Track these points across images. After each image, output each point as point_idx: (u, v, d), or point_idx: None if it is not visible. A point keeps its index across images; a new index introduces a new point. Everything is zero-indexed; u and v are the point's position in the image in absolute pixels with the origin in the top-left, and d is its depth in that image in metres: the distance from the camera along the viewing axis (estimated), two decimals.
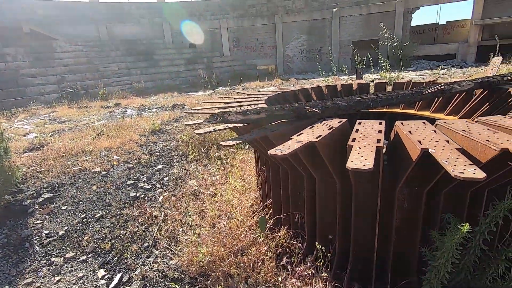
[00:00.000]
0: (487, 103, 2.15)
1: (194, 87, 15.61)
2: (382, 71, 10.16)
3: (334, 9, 19.98)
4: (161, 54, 18.90)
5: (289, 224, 1.80)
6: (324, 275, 1.51)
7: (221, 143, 1.27)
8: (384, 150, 1.51)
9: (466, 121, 1.31)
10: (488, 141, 1.02)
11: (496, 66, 2.18)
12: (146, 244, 2.32)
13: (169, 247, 2.20)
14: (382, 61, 7.79)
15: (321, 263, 1.54)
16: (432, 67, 16.16)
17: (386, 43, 12.06)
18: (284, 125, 1.48)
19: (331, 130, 1.30)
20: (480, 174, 0.80)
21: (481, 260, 1.30)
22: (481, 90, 2.24)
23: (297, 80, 14.89)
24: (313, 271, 1.54)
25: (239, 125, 1.49)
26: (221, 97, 2.76)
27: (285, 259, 1.64)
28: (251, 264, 1.75)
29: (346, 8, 19.86)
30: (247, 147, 4.30)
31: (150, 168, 3.99)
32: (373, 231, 1.49)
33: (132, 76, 15.88)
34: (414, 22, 20.50)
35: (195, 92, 13.56)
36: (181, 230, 2.33)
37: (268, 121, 1.50)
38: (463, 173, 0.82)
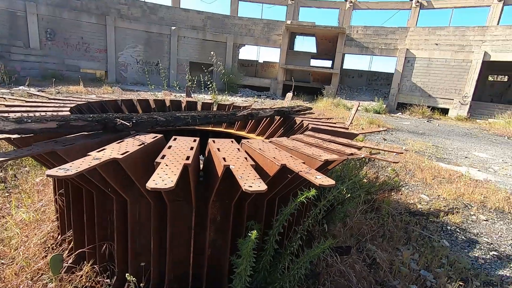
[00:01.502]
0: (283, 127, 2.72)
1: None
2: (214, 93, 11.15)
3: (173, 28, 20.32)
4: None
5: (96, 257, 1.49)
6: None
7: None
8: (201, 166, 1.55)
9: (263, 140, 1.56)
10: (274, 157, 1.23)
11: (288, 100, 2.90)
12: None
13: None
14: (212, 85, 8.54)
15: None
16: (254, 95, 19.48)
17: (218, 69, 13.45)
18: (85, 139, 1.22)
19: (142, 146, 1.19)
20: (263, 187, 0.93)
21: (274, 258, 1.54)
22: (279, 117, 2.82)
23: (129, 91, 13.78)
24: None
25: (13, 136, 1.09)
26: (4, 98, 2.04)
27: None
28: None
29: (184, 29, 20.67)
30: None
31: None
32: (189, 248, 1.47)
33: None
34: (241, 56, 24.10)
35: None
36: None
37: (61, 132, 1.19)
38: (252, 186, 0.92)
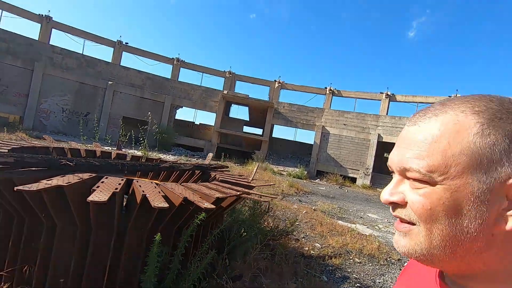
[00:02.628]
0: (200, 179, 3.30)
1: None
2: (145, 150, 11.28)
3: (110, 82, 20.42)
4: None
5: (13, 279, 1.69)
6: None
7: None
8: (124, 203, 1.99)
9: (176, 184, 2.12)
10: (180, 193, 1.80)
11: (209, 159, 3.54)
12: None
13: None
14: (144, 140, 8.88)
15: None
16: (187, 154, 19.81)
17: (153, 126, 13.79)
18: (35, 173, 1.61)
19: (81, 180, 1.63)
20: (165, 204, 1.47)
21: (179, 272, 1.96)
22: (199, 171, 3.42)
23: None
24: None
25: None
26: None
27: None
28: None
29: (121, 85, 20.94)
30: None
31: None
32: (104, 270, 1.81)
33: None
34: (178, 116, 24.97)
35: None
36: None
37: (15, 167, 1.55)
38: (158, 204, 1.46)
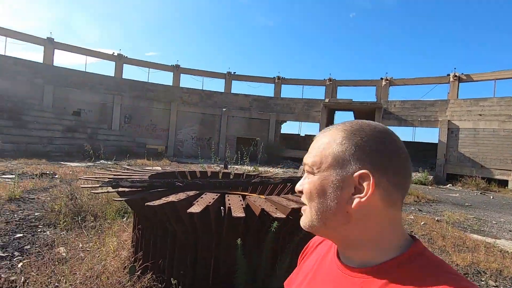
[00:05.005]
0: (291, 192, 3.57)
1: (69, 157, 14.25)
2: (256, 165, 12.44)
3: (224, 109, 23.64)
4: (34, 116, 16.87)
5: (154, 270, 2.39)
6: None
7: (115, 199, 1.94)
8: (222, 213, 2.47)
9: (260, 197, 2.46)
10: (259, 205, 2.12)
11: (301, 171, 3.72)
12: None
13: None
14: (248, 157, 9.89)
15: None
16: (295, 166, 20.42)
17: (261, 144, 15.11)
18: (160, 193, 2.28)
19: (187, 196, 2.19)
20: (242, 214, 1.81)
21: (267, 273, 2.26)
22: (290, 183, 3.70)
23: (183, 163, 15.86)
24: None
25: (127, 189, 2.19)
26: (110, 170, 3.32)
27: None
28: None
29: (233, 109, 23.86)
30: (124, 219, 4.57)
31: (7, 237, 3.68)
32: (209, 265, 2.30)
33: None
34: (283, 130, 26.21)
35: (70, 162, 12.43)
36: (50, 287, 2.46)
37: (149, 189, 2.26)
38: (236, 214, 1.82)
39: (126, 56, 23.74)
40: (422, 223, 6.08)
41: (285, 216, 1.86)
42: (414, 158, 22.94)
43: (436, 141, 19.70)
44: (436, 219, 6.82)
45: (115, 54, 23.33)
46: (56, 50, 21.23)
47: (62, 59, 46.86)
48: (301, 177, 2.45)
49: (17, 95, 17.80)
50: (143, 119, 22.40)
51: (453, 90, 20.50)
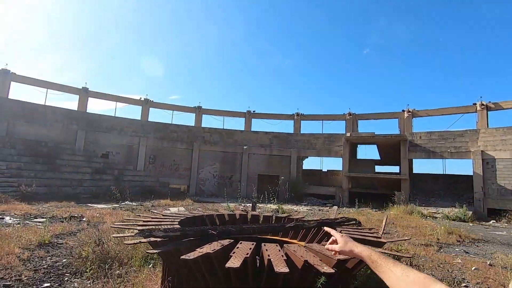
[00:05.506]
0: (326, 236, 3.31)
1: (96, 198, 14.57)
2: (279, 203, 12.07)
3: (245, 147, 23.86)
4: (66, 160, 17.77)
5: None
6: None
7: (148, 251, 1.84)
8: (258, 264, 2.28)
9: (299, 245, 2.26)
10: (301, 256, 1.93)
11: (334, 212, 3.51)
12: None
13: None
14: (274, 197, 9.60)
15: None
16: (319, 204, 19.63)
17: (286, 183, 14.80)
18: (192, 242, 2.15)
19: (222, 246, 2.05)
20: (286, 269, 1.63)
21: None
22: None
23: (206, 203, 15.71)
24: None
25: (159, 239, 2.09)
26: (139, 215, 3.26)
27: None
28: None
29: (253, 147, 24.01)
30: (150, 265, 4.40)
31: (34, 287, 3.61)
32: None
33: (22, 178, 14.05)
34: (305, 166, 25.76)
35: (97, 204, 12.66)
36: None
37: (182, 238, 2.15)
38: (280, 269, 1.64)
39: (152, 100, 25.24)
40: (473, 268, 5.40)
41: (333, 271, 1.66)
42: (447, 192, 21.47)
43: (469, 173, 18.48)
44: (488, 262, 6.06)
45: (142, 99, 24.88)
46: (90, 98, 23.01)
47: (94, 104, 50.73)
48: (335, 219, 2.28)
49: (53, 140, 19.03)
50: (166, 159, 22.97)
51: (482, 119, 19.66)
